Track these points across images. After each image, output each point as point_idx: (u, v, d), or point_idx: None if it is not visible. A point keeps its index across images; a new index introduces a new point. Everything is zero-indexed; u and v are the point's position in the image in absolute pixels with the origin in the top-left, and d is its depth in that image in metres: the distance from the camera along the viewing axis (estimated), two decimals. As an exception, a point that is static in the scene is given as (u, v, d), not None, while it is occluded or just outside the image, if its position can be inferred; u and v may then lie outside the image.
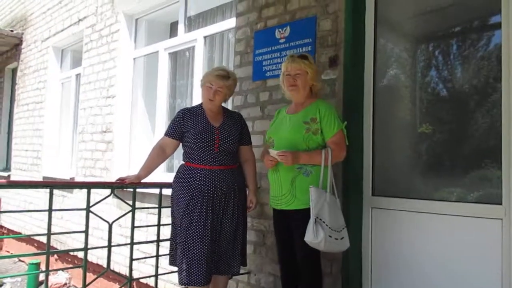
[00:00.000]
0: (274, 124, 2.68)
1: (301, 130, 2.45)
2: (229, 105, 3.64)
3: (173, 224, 2.80)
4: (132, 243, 2.90)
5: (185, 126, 2.75)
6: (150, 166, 2.84)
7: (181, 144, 2.84)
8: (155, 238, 3.10)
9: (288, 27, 3.16)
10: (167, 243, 2.88)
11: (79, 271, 4.72)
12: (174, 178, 2.80)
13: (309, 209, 2.32)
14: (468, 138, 2.54)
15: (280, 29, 3.21)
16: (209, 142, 2.67)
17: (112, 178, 4.79)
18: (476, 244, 2.34)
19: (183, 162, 2.80)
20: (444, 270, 2.45)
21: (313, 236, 2.25)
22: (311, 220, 2.27)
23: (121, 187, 2.90)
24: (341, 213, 2.40)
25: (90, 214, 2.72)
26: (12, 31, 7.47)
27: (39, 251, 5.95)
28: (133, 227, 2.89)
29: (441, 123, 2.66)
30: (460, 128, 2.56)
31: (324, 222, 2.27)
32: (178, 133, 2.78)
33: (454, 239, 2.41)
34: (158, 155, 2.83)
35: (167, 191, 2.96)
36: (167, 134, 2.81)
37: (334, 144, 2.43)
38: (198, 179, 2.65)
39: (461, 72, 2.60)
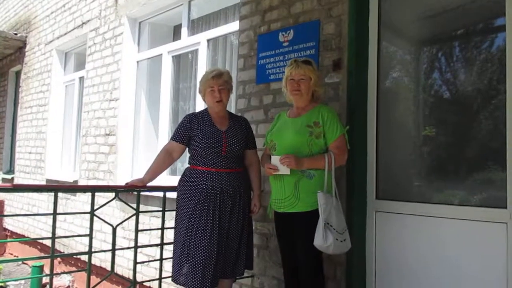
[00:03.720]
0: (275, 127, 2.69)
1: (304, 133, 2.46)
2: (232, 108, 3.65)
3: (176, 235, 2.75)
4: (136, 247, 2.90)
5: (192, 130, 2.76)
6: (156, 170, 2.85)
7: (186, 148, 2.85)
8: (157, 240, 3.09)
9: (291, 30, 3.16)
10: (171, 247, 2.87)
11: (82, 273, 4.73)
12: (180, 181, 2.80)
13: (312, 211, 2.36)
14: (472, 140, 2.53)
15: (284, 33, 3.21)
16: (216, 146, 2.69)
17: (116, 181, 4.81)
18: (481, 248, 2.33)
19: (189, 165, 2.80)
20: (448, 274, 2.44)
21: (323, 241, 2.28)
22: (321, 225, 2.30)
23: (125, 191, 2.90)
24: (343, 215, 2.42)
25: (94, 217, 2.72)
26: (16, 34, 7.51)
27: (43, 255, 5.95)
28: (137, 231, 2.89)
29: (445, 126, 2.65)
30: (464, 131, 2.56)
31: (332, 226, 2.31)
32: (185, 138, 2.79)
33: (459, 243, 2.41)
34: (165, 160, 2.84)
35: (171, 194, 2.96)
36: (174, 138, 2.82)
37: (336, 149, 2.44)
38: (205, 182, 2.66)
39: (464, 74, 2.59)
